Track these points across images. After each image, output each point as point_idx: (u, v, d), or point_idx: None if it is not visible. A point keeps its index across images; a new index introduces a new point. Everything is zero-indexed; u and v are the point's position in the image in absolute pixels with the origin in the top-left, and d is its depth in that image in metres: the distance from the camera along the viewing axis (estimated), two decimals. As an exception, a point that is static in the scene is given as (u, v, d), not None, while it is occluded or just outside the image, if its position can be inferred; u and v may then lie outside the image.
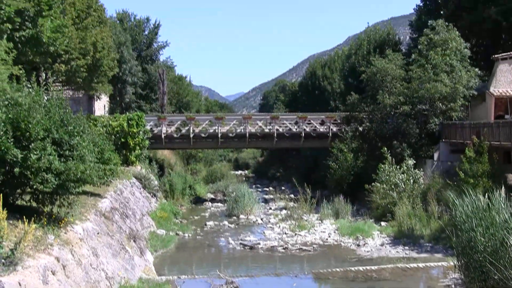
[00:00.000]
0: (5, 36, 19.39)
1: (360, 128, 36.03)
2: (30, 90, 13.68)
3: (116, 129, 31.36)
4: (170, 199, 35.32)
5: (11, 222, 11.48)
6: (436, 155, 31.53)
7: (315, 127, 39.51)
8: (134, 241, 19.53)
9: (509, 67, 32.08)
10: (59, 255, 11.40)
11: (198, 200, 39.90)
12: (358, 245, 23.97)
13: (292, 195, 38.91)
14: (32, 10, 21.57)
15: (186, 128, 38.04)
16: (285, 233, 26.84)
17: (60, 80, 28.82)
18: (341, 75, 55.78)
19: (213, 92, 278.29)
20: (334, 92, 57.10)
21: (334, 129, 38.84)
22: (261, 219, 31.74)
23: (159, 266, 20.31)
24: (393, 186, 28.05)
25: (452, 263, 16.71)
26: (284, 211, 32.60)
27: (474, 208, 15.15)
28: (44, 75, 27.49)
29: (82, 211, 15.92)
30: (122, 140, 31.20)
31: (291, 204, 33.44)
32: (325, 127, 39.42)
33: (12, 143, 11.62)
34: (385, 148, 29.41)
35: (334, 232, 26.78)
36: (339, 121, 38.90)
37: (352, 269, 19.27)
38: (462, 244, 15.18)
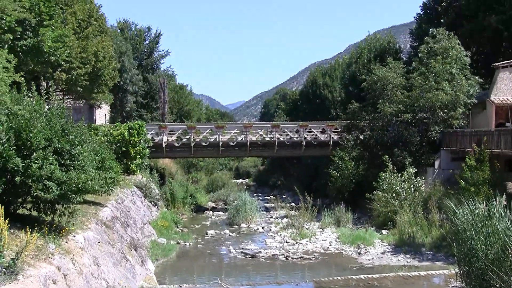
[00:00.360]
0: (6, 46, 19.44)
1: (361, 136, 36.01)
2: (31, 99, 13.70)
3: (117, 138, 31.37)
4: (171, 208, 35.29)
5: (12, 231, 11.48)
6: (437, 163, 31.54)
7: (316, 135, 39.54)
8: (135, 250, 19.50)
9: (509, 75, 32.10)
10: (60, 264, 11.39)
11: (199, 209, 39.87)
12: (359, 254, 23.93)
13: (293, 204, 38.96)
14: (33, 20, 21.64)
15: (187, 137, 38.08)
16: (286, 242, 26.80)
17: (61, 89, 28.85)
18: (341, 83, 55.80)
19: (213, 101, 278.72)
20: (334, 100, 57.12)
21: (335, 137, 38.85)
22: (262, 228, 31.71)
23: (160, 275, 20.28)
24: (394, 194, 28.03)
25: (453, 271, 16.67)
26: (285, 220, 32.55)
27: (475, 216, 15.13)
28: (45, 84, 27.52)
29: (83, 220, 15.91)
30: (123, 149, 31.19)
31: (292, 212, 33.41)
32: (326, 135, 39.44)
33: (13, 152, 11.63)
34: (387, 156, 29.41)
35: (335, 241, 26.75)
36: (340, 129, 38.90)
37: (354, 277, 19.23)
38: (463, 252, 15.15)
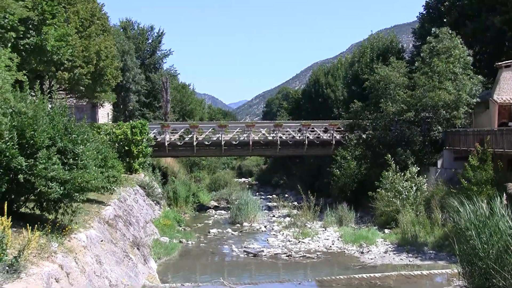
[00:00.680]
0: (9, 45, 19.45)
1: (364, 136, 36.00)
2: (34, 98, 13.70)
3: (119, 137, 31.38)
4: (174, 207, 35.34)
5: (15, 229, 11.50)
6: (439, 163, 31.52)
7: (319, 134, 39.53)
8: (138, 248, 19.51)
9: (512, 74, 32.08)
10: (62, 262, 11.40)
11: (202, 208, 39.90)
12: (362, 253, 23.93)
13: (295, 203, 38.89)
14: (36, 19, 21.65)
15: (190, 136, 38.10)
16: (289, 241, 26.82)
17: (64, 88, 28.86)
18: (344, 82, 55.75)
19: (216, 100, 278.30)
20: (337, 99, 57.10)
21: (338, 136, 38.84)
22: (265, 227, 31.73)
23: (163, 274, 20.30)
24: (396, 194, 28.02)
25: (456, 271, 16.62)
26: (287, 219, 32.58)
27: (478, 215, 15.11)
28: (47, 83, 27.55)
29: (85, 218, 15.92)
30: (126, 148, 31.20)
31: (295, 211, 33.37)
32: (329, 134, 39.43)
33: (16, 150, 11.64)
34: (389, 155, 29.39)
35: (338, 240, 26.75)
36: (342, 128, 38.91)
37: (356, 276, 19.20)
38: (466, 251, 15.12)
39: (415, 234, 24.61)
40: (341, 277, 19.23)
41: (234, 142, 39.18)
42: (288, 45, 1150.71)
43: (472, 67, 33.90)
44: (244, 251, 24.67)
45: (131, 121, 35.25)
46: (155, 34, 59.29)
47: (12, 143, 11.59)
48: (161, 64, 61.23)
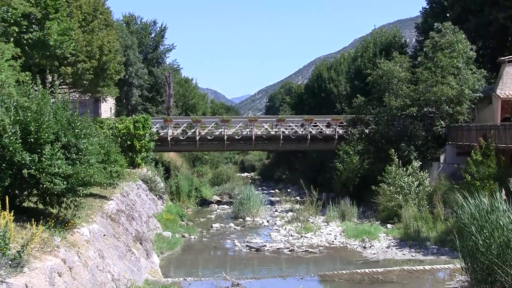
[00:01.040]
0: (12, 39, 19.47)
1: (366, 131, 35.94)
2: (37, 92, 13.69)
3: (122, 131, 31.42)
4: (176, 201, 35.37)
5: (18, 224, 11.52)
6: (442, 158, 31.49)
7: (321, 129, 39.51)
8: (140, 243, 19.56)
9: (515, 69, 31.99)
10: (65, 257, 11.43)
11: (204, 202, 39.94)
12: (364, 247, 23.95)
13: (298, 197, 38.96)
14: (39, 13, 21.66)
15: (192, 130, 38.11)
16: (291, 235, 26.84)
17: (67, 82, 28.90)
18: (347, 77, 55.71)
19: (219, 94, 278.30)
20: (340, 94, 57.04)
21: (340, 131, 38.82)
22: (267, 221, 31.74)
23: (165, 268, 20.35)
24: (399, 189, 28.01)
25: (458, 265, 16.66)
26: (290, 213, 32.59)
27: (480, 210, 15.11)
28: (50, 77, 27.58)
29: (88, 213, 15.95)
30: (128, 142, 31.24)
31: (297, 206, 33.43)
32: (331, 129, 39.41)
33: (20, 145, 11.64)
34: (392, 150, 29.34)
35: (340, 234, 26.76)
36: (345, 123, 38.85)
37: (358, 271, 19.24)
38: (468, 246, 15.13)
39: (417, 229, 24.61)
40: (344, 272, 19.27)
41: (236, 137, 39.19)
42: (291, 39, 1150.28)
43: (475, 62, 33.82)
44: (247, 245, 24.70)
45: (133, 115, 35.26)
46: (158, 29, 59.25)
47: (15, 137, 11.59)
48: (164, 59, 61.25)
